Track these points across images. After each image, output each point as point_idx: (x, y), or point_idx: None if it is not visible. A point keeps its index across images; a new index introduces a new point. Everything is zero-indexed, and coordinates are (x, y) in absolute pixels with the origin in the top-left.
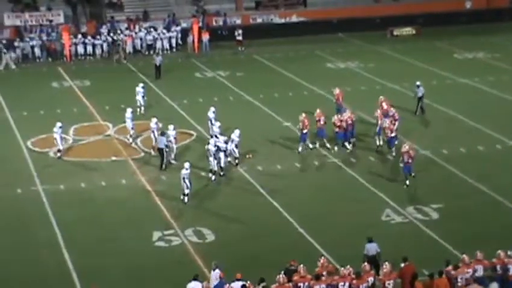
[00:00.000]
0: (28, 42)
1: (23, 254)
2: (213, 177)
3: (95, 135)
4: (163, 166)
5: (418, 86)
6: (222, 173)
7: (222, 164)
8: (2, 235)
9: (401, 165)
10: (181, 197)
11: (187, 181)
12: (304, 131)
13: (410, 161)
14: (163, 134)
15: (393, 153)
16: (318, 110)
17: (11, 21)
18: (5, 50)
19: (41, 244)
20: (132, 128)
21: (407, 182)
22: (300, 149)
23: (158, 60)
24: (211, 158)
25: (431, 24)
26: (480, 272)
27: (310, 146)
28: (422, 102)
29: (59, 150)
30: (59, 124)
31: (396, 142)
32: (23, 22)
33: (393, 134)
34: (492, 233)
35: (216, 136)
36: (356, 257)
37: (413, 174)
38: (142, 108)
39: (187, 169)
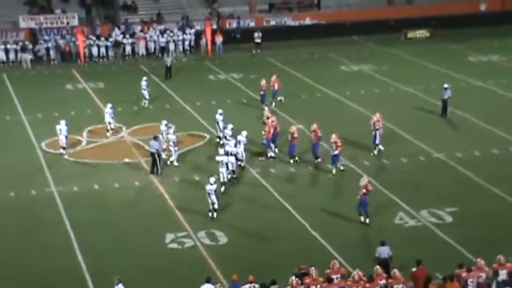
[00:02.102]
0: (43, 45)
1: (36, 255)
2: (222, 189)
3: (109, 137)
4: (157, 170)
5: (445, 88)
6: (234, 176)
7: (234, 167)
8: (16, 236)
9: (358, 197)
10: (209, 213)
11: (213, 196)
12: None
13: (366, 196)
14: (155, 138)
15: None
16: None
17: (26, 24)
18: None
19: (55, 246)
20: (109, 123)
21: (362, 219)
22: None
23: (169, 61)
24: (222, 169)
25: (445, 27)
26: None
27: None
28: (448, 104)
29: (63, 147)
30: (63, 122)
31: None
32: (38, 24)
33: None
34: (507, 236)
35: (226, 138)
36: (368, 260)
37: (367, 220)
38: (146, 102)
39: (212, 184)
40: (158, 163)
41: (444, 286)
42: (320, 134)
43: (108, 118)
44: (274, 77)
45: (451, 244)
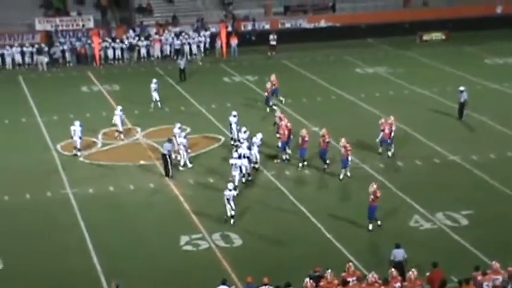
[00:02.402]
0: (59, 47)
1: (52, 257)
2: (235, 193)
3: (124, 139)
4: (168, 173)
5: (461, 91)
6: (249, 178)
7: (249, 170)
8: (32, 238)
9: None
10: (225, 218)
11: (231, 202)
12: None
13: (375, 202)
14: (169, 140)
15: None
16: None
17: (42, 26)
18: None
19: (70, 247)
20: (117, 125)
21: (371, 227)
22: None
23: (182, 63)
24: (235, 172)
25: (460, 29)
26: None
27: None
28: (464, 107)
29: (77, 148)
30: (78, 123)
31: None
32: (54, 27)
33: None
34: None
35: (239, 140)
36: (383, 263)
37: (378, 222)
38: (159, 103)
39: (230, 190)
40: (169, 165)
41: None
42: (327, 140)
43: (117, 120)
44: (273, 77)
45: (466, 247)
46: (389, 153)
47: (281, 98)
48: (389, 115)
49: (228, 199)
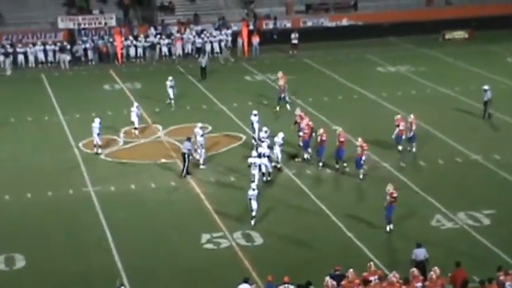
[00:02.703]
0: (81, 45)
1: (73, 254)
2: (256, 192)
3: (145, 137)
4: (184, 172)
5: (485, 90)
6: (269, 178)
7: (270, 169)
8: (54, 236)
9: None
10: (251, 220)
11: (254, 202)
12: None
13: (392, 203)
14: (189, 139)
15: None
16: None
17: (65, 25)
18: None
19: (92, 245)
20: (133, 122)
21: (388, 228)
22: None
23: (203, 61)
24: (254, 171)
25: (483, 28)
26: None
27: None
28: (488, 106)
29: (97, 146)
30: (98, 120)
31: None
32: (77, 25)
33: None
34: None
35: (260, 140)
36: (404, 262)
37: (391, 226)
38: (172, 101)
39: (254, 189)
40: (186, 164)
41: None
42: (342, 139)
43: (134, 117)
44: (280, 74)
45: (488, 247)
46: (413, 150)
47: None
48: (411, 114)
49: (250, 198)
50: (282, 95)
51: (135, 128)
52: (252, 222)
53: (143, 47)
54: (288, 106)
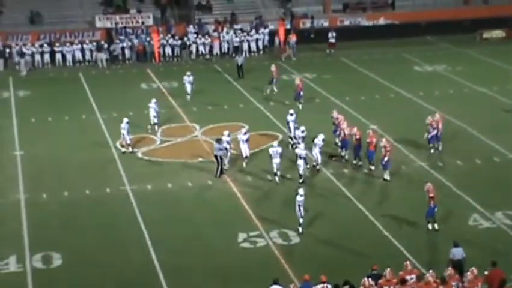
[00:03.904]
0: (118, 44)
1: (111, 252)
2: (304, 198)
3: (183, 136)
4: (218, 173)
5: None
6: (301, 181)
7: (301, 172)
8: (92, 234)
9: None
10: (299, 227)
11: (302, 209)
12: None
13: (431, 203)
14: (218, 141)
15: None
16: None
17: (102, 24)
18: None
19: (129, 243)
20: (154, 116)
21: (430, 227)
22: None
23: (240, 60)
24: (300, 162)
25: None
26: None
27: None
28: None
29: (126, 145)
30: (126, 120)
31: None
32: (114, 24)
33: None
34: None
35: (295, 138)
36: (441, 261)
37: (431, 225)
38: (189, 96)
39: (302, 195)
40: (219, 165)
41: None
42: (358, 137)
43: (152, 113)
44: (273, 66)
45: None
46: (440, 148)
47: (275, 89)
48: (449, 113)
49: (299, 205)
50: (274, 80)
51: (153, 124)
52: (300, 229)
53: (180, 45)
54: (274, 89)
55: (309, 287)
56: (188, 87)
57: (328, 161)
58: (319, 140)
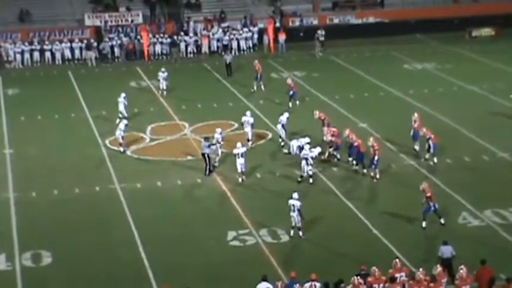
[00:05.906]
0: (108, 43)
1: (101, 251)
2: (309, 180)
3: (172, 134)
4: (207, 171)
5: None
6: (299, 180)
7: (304, 173)
8: (80, 232)
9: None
10: (296, 232)
11: (295, 213)
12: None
13: (428, 202)
14: (206, 139)
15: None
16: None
17: (91, 22)
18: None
19: (118, 242)
20: (121, 112)
21: (428, 223)
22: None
23: (228, 58)
24: (304, 162)
25: (510, 25)
26: None
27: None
28: None
29: (120, 144)
30: (125, 122)
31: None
32: (103, 22)
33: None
34: None
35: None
36: (431, 259)
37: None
38: (165, 92)
39: (298, 199)
40: (207, 164)
41: (509, 287)
42: (353, 138)
43: (121, 107)
44: (256, 62)
45: None
46: (416, 147)
47: (262, 87)
48: (439, 111)
49: (299, 210)
50: (258, 76)
51: (125, 118)
52: (301, 233)
53: (169, 44)
54: (262, 87)
55: (295, 284)
56: (163, 83)
57: (318, 160)
58: (302, 143)
